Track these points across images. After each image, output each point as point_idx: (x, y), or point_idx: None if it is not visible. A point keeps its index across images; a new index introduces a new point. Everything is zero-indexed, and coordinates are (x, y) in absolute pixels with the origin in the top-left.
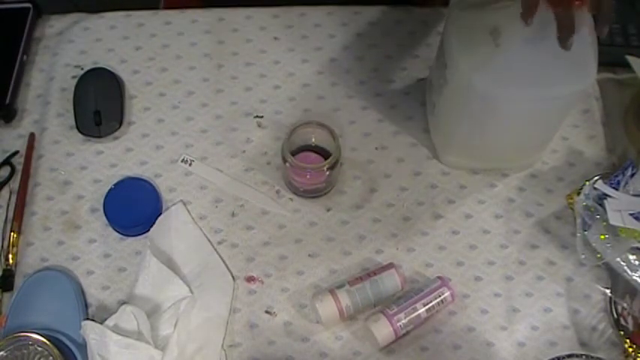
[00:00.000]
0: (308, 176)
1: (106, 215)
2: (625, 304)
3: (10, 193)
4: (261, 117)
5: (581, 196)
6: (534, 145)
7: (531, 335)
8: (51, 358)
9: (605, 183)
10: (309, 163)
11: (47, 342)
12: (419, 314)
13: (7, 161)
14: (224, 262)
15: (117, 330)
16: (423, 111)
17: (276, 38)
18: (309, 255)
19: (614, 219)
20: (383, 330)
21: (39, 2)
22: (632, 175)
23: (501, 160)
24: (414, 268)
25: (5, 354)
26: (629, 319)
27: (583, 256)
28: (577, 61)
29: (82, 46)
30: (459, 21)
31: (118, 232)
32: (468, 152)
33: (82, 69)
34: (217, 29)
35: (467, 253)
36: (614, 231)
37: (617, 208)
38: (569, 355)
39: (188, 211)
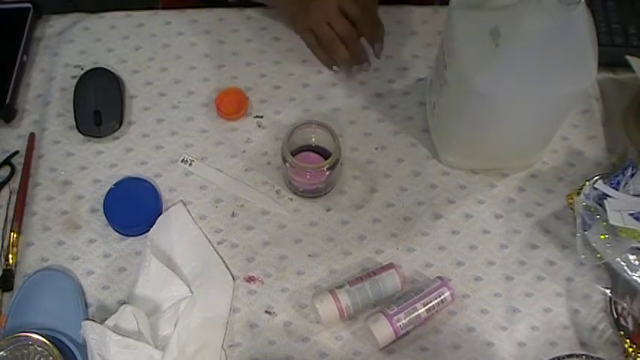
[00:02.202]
0: (308, 176)
1: (106, 215)
2: (625, 304)
3: (10, 193)
4: (261, 117)
5: (581, 196)
6: (534, 145)
7: (531, 335)
8: (51, 358)
9: (605, 183)
10: (309, 163)
11: (47, 342)
12: (419, 314)
13: (7, 161)
14: (224, 262)
15: (117, 330)
16: (423, 111)
17: (276, 38)
18: (309, 255)
19: (614, 219)
20: (383, 330)
21: (39, 2)
22: (632, 175)
23: (501, 160)
24: (414, 268)
25: (5, 354)
26: (629, 319)
27: (583, 256)
28: (577, 61)
29: (82, 46)
30: (459, 21)
31: (118, 232)
32: (468, 152)
33: (82, 69)
34: (217, 29)
35: (467, 253)
36: (614, 231)
37: (617, 208)
38: (569, 355)
39: (188, 211)
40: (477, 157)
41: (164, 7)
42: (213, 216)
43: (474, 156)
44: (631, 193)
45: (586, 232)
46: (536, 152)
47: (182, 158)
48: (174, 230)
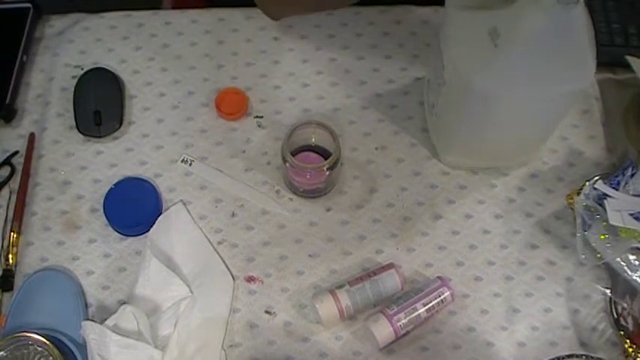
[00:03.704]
0: (308, 176)
1: (106, 215)
2: (625, 304)
3: (10, 193)
4: (261, 117)
5: (581, 196)
6: (533, 143)
7: (531, 335)
8: (51, 358)
9: (605, 183)
10: (309, 163)
11: (47, 342)
12: (419, 314)
13: (7, 161)
14: (224, 262)
15: (117, 330)
16: (423, 111)
17: (276, 38)
18: (309, 255)
19: (614, 219)
20: (383, 330)
21: (39, 2)
22: (632, 175)
23: (501, 158)
24: (414, 268)
25: (5, 354)
26: (629, 319)
27: (583, 256)
28: (576, 60)
29: (82, 46)
30: (457, 22)
31: (118, 232)
32: (467, 151)
33: (82, 69)
34: (217, 29)
35: (467, 253)
36: (614, 231)
37: (617, 208)
38: (569, 355)
39: (188, 211)
40: (477, 156)
41: (174, 8)
42: (213, 216)
43: (474, 155)
44: (631, 193)
45: (586, 232)
46: (535, 150)
47: (182, 158)
48: (174, 230)
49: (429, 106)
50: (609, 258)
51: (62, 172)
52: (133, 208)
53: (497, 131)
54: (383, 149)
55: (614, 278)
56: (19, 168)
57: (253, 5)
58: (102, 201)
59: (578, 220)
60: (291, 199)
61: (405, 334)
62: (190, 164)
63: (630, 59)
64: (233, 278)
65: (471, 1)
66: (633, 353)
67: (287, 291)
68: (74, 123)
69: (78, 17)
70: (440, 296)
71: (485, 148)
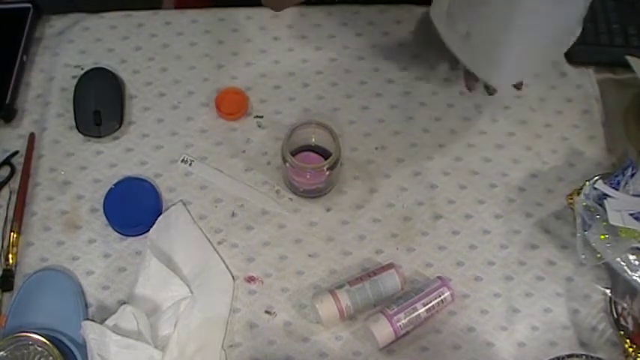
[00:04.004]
0: (308, 176)
1: (106, 215)
2: (625, 304)
3: (10, 193)
4: (261, 117)
5: (581, 196)
6: (574, 27)
7: (531, 335)
8: (51, 358)
9: (605, 183)
10: (309, 163)
11: (47, 342)
12: (419, 314)
13: (7, 161)
14: (224, 262)
15: (117, 330)
16: (423, 111)
17: (276, 38)
18: (309, 255)
19: (614, 219)
20: (383, 330)
21: (39, 2)
22: (632, 175)
23: (546, 58)
24: (414, 268)
25: (5, 354)
26: (629, 319)
27: (583, 256)
28: None
29: (82, 46)
30: None
31: (118, 232)
32: (515, 63)
33: (82, 69)
34: (217, 29)
35: (467, 253)
36: (614, 231)
37: (617, 208)
38: (569, 355)
39: (188, 211)
40: (524, 63)
41: (175, 8)
42: (213, 216)
43: (521, 64)
44: (631, 193)
45: (586, 232)
46: (575, 33)
47: (182, 158)
48: (174, 230)
49: (458, 41)
50: (609, 258)
51: (62, 172)
52: (133, 208)
53: (545, 29)
54: (383, 149)
55: (614, 278)
56: (19, 168)
57: (253, 5)
58: (102, 201)
59: (578, 220)
60: (291, 199)
61: (405, 334)
62: (190, 164)
63: (630, 59)
64: (233, 278)
65: None
66: (633, 353)
67: (287, 291)
68: (74, 123)
69: (78, 17)
70: (440, 296)
71: (532, 53)
